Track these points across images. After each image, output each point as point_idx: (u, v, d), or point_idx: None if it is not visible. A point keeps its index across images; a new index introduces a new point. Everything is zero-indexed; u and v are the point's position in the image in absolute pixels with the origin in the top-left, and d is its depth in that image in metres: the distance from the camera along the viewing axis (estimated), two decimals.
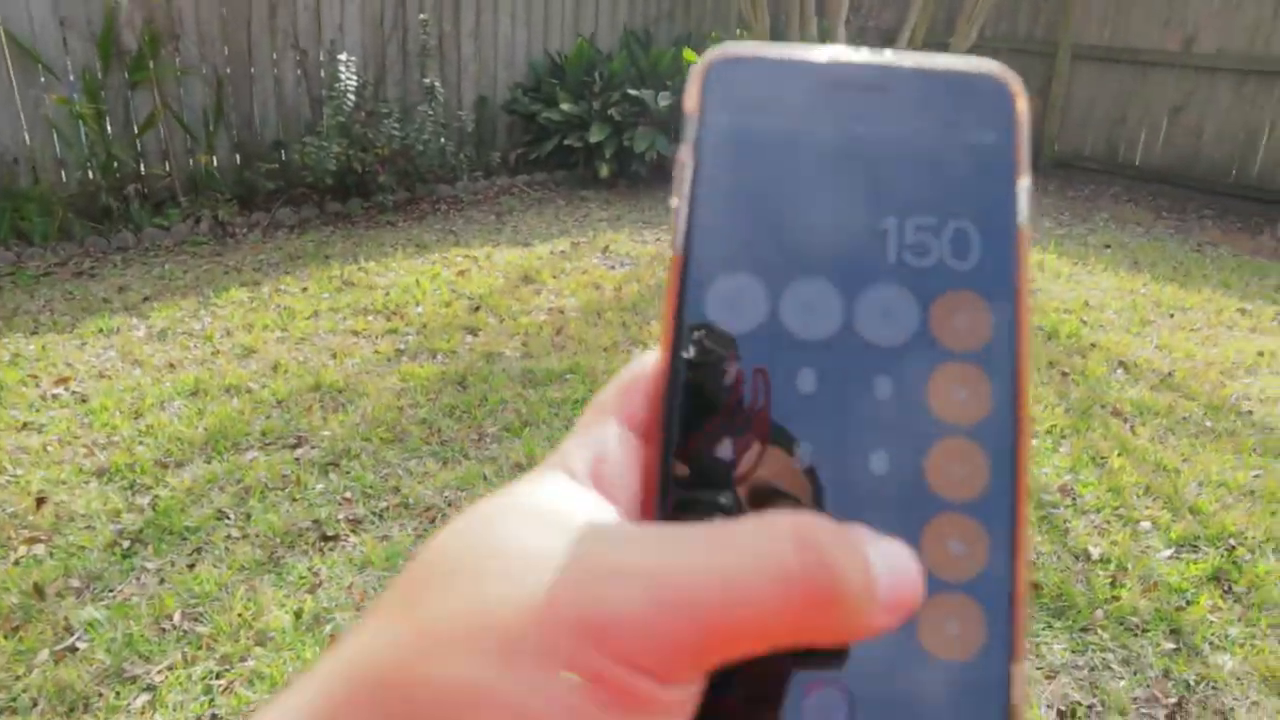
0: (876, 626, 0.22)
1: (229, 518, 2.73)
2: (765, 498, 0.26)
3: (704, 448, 0.26)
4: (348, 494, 2.84)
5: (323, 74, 5.63)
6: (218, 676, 2.16)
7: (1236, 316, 4.45)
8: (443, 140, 5.84)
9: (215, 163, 5.56)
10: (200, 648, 2.24)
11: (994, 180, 0.27)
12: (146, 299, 4.41)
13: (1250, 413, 3.41)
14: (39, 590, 2.40)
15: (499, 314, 4.16)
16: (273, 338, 3.94)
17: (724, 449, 0.26)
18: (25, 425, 3.24)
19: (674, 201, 0.27)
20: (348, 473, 2.95)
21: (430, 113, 5.62)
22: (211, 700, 2.10)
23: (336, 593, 2.41)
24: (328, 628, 2.28)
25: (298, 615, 2.33)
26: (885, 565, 0.22)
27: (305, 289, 4.49)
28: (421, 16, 6.02)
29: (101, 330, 4.02)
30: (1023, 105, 0.27)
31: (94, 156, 5.18)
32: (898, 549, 0.23)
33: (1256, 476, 2.91)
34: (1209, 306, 4.57)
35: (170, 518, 2.71)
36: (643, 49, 6.86)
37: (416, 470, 2.95)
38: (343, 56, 5.38)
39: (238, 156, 5.69)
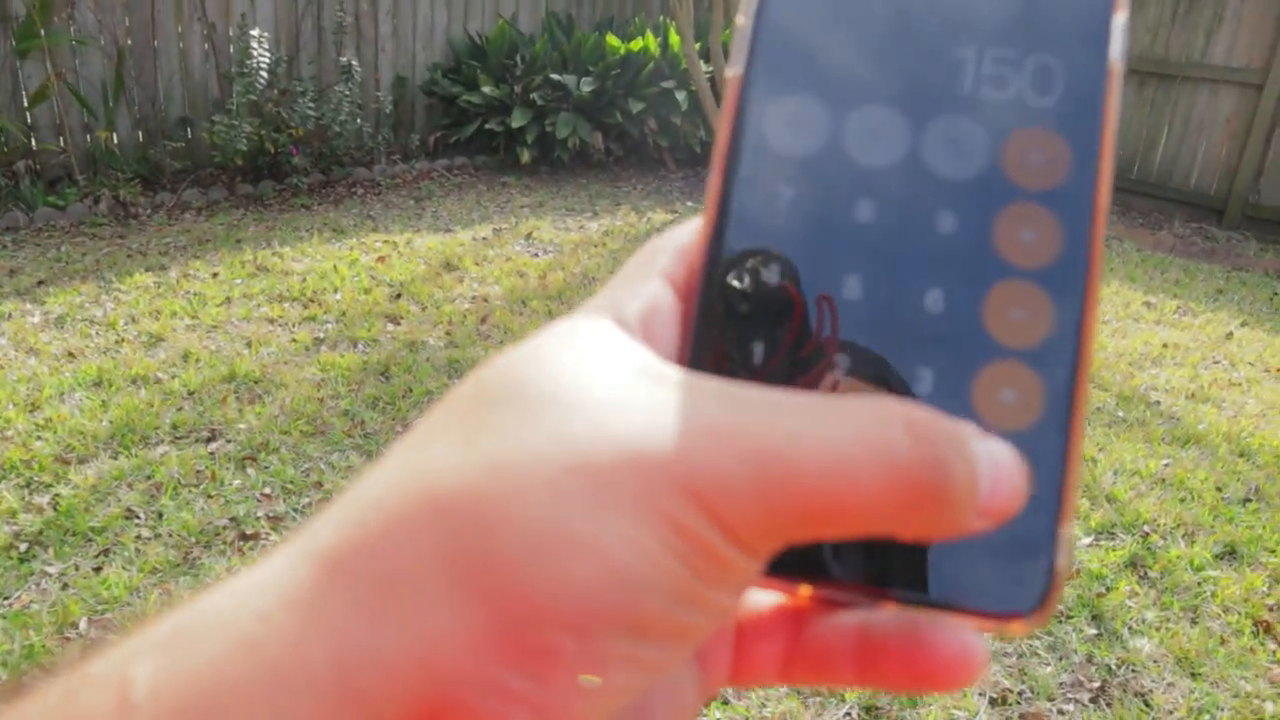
0: (971, 528, 0.21)
1: (139, 517, 2.60)
2: (826, 340, 0.24)
3: (756, 282, 0.25)
4: (267, 490, 2.73)
5: (232, 49, 5.40)
6: None
7: (1142, 309, 4.63)
8: (360, 122, 5.68)
9: (116, 140, 5.29)
10: None
11: (1087, 11, 0.25)
12: (41, 283, 4.18)
13: (1158, 403, 3.55)
14: None
15: (421, 302, 4.06)
16: (182, 325, 3.77)
17: (776, 286, 0.25)
18: None
19: (739, 19, 0.26)
20: (266, 467, 2.84)
21: (347, 93, 5.45)
22: None
23: None
24: None
25: None
26: (991, 468, 0.21)
27: (216, 274, 4.31)
28: None
29: None
30: None
31: None
32: (1003, 452, 0.22)
33: (1166, 465, 3.04)
34: (1116, 300, 4.75)
35: (73, 518, 2.56)
36: (565, 33, 6.78)
37: (339, 464, 2.86)
38: (255, 32, 5.17)
39: (140, 134, 5.43)
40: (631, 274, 0.26)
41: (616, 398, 0.21)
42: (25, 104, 4.99)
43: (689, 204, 5.99)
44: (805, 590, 0.24)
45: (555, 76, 6.15)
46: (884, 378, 0.24)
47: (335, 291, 4.15)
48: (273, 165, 5.48)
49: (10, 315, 3.81)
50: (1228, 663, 2.13)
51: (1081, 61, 0.25)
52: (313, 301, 4.04)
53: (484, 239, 4.99)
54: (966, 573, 0.23)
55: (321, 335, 3.72)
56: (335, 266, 4.42)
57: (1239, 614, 2.31)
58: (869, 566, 0.24)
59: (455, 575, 0.19)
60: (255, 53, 5.04)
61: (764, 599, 0.26)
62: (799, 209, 0.25)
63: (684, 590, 0.20)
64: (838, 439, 0.20)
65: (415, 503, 0.20)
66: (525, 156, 6.10)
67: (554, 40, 6.59)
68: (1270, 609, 2.33)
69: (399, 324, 3.85)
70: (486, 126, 6.11)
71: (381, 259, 4.56)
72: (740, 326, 0.25)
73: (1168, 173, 6.78)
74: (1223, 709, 2.01)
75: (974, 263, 0.24)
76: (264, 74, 5.00)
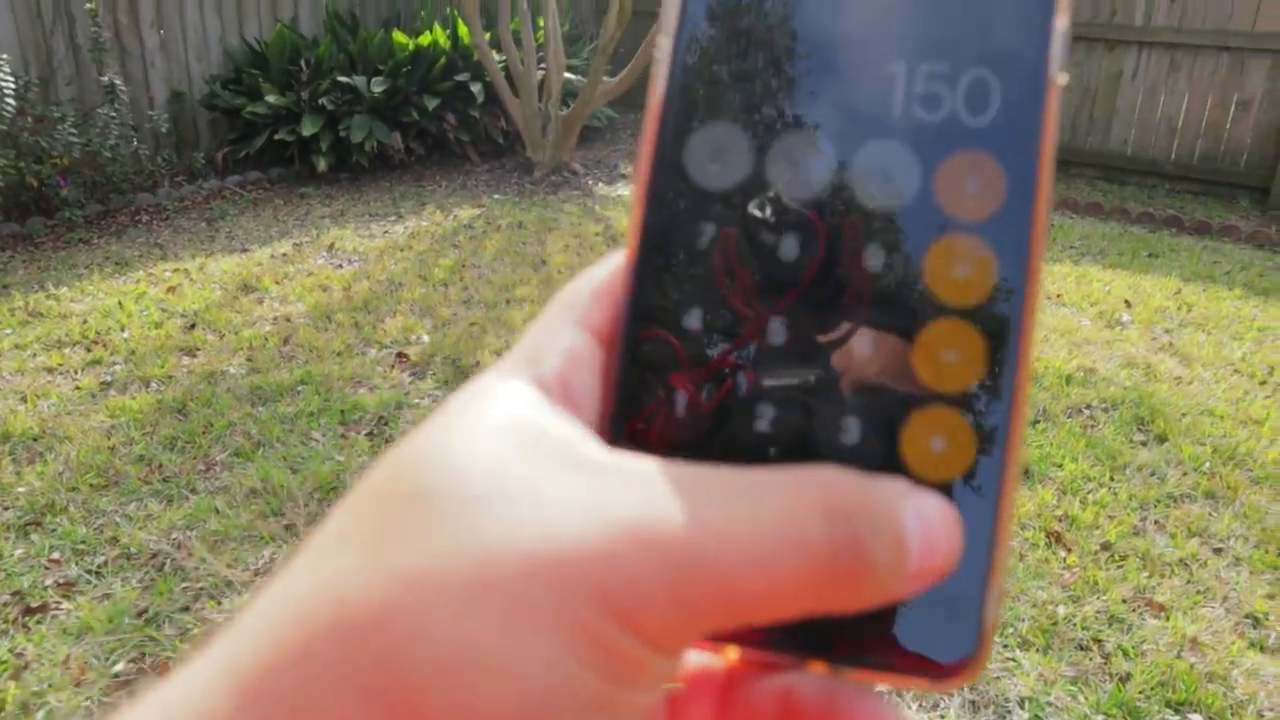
0: (904, 594, 0.21)
1: None
2: (749, 389, 0.23)
3: (677, 329, 0.24)
4: (55, 555, 2.52)
5: None
6: None
7: None
8: (136, 144, 5.29)
9: None
10: None
11: (1024, 20, 0.23)
12: None
13: None
14: None
15: (218, 330, 3.84)
16: None
17: (698, 332, 0.24)
18: None
19: (661, 39, 0.25)
20: (53, 530, 2.61)
21: (114, 114, 5.07)
22: None
23: (49, 671, 2.13)
24: (38, 716, 2.01)
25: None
26: (921, 531, 0.21)
27: None
28: (89, 5, 5.40)
29: None
30: None
31: None
32: (935, 510, 0.21)
33: None
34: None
35: None
36: (349, 32, 6.53)
37: (137, 514, 2.66)
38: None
39: None
40: (551, 321, 0.25)
41: (530, 494, 0.20)
42: None
43: (495, 196, 5.91)
44: (733, 652, 0.24)
45: (344, 79, 5.92)
46: (812, 431, 0.23)
47: (122, 330, 3.86)
48: (39, 199, 5.04)
49: None
50: (1026, 576, 2.28)
51: (1019, 76, 0.23)
52: (97, 343, 3.74)
53: (284, 255, 4.76)
54: (896, 631, 0.23)
55: (109, 378, 3.45)
56: (120, 303, 4.11)
57: (1034, 528, 2.48)
58: (796, 630, 0.23)
59: (367, 702, 0.19)
60: None
61: (696, 658, 0.26)
62: (722, 248, 0.24)
63: (601, 701, 0.19)
64: (755, 533, 0.20)
65: (327, 623, 0.19)
66: (322, 165, 5.86)
67: (338, 41, 6.35)
68: (1059, 519, 2.51)
69: (195, 356, 3.63)
70: (276, 137, 5.82)
71: (171, 289, 4.27)
72: (662, 378, 0.24)
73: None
74: (1023, 620, 2.15)
75: (903, 301, 0.23)
76: (11, 100, 4.57)
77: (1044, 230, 0.23)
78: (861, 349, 0.23)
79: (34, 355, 3.65)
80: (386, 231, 5.14)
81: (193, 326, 3.88)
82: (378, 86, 5.95)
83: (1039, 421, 3.04)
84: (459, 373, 3.39)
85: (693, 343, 0.24)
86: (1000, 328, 0.23)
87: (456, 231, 5.12)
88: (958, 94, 0.23)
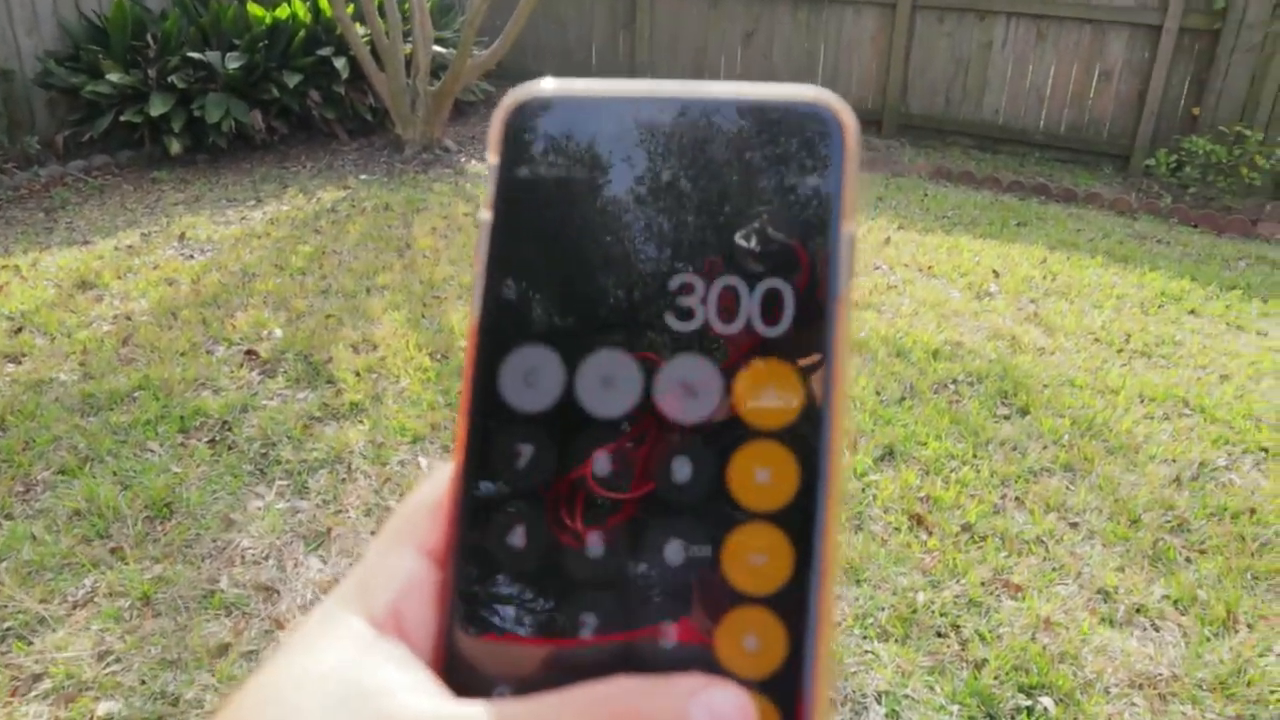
0: None
1: None
2: (568, 604, 0.25)
3: (497, 557, 0.25)
4: None
5: None
6: None
7: None
8: None
9: None
10: None
11: (814, 230, 0.25)
12: None
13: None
14: None
15: (49, 332, 3.54)
16: None
17: (520, 555, 0.25)
18: None
19: (475, 266, 0.26)
20: None
21: None
22: None
23: None
24: None
25: None
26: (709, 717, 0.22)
27: None
28: None
29: None
30: (853, 140, 0.26)
31: None
32: (727, 699, 0.22)
33: None
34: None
35: None
36: (200, 5, 6.12)
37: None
38: None
39: None
40: (384, 546, 0.26)
41: None
42: None
43: (363, 177, 5.64)
44: None
45: (196, 55, 5.55)
46: (633, 637, 0.24)
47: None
48: None
49: None
50: (888, 562, 2.25)
51: (810, 283, 0.24)
52: None
53: (129, 247, 4.43)
54: None
55: None
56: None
57: (897, 511, 2.46)
58: None
59: None
60: None
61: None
62: (538, 469, 0.25)
63: None
64: None
65: None
66: (175, 147, 5.49)
67: (188, 14, 5.95)
68: (921, 500, 2.50)
69: (20, 363, 3.33)
70: (123, 118, 5.42)
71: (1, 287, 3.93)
72: (489, 595, 0.25)
73: (828, 89, 7.19)
74: (883, 609, 2.12)
75: (711, 509, 0.24)
76: None
77: (842, 430, 0.24)
78: (673, 555, 0.24)
79: None
80: (244, 218, 4.84)
81: (19, 330, 3.57)
82: (233, 63, 5.59)
83: (905, 399, 3.03)
84: (311, 370, 3.20)
85: (516, 560, 0.25)
86: (805, 528, 0.24)
87: (319, 216, 4.86)
88: (754, 304, 0.24)
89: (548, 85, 0.26)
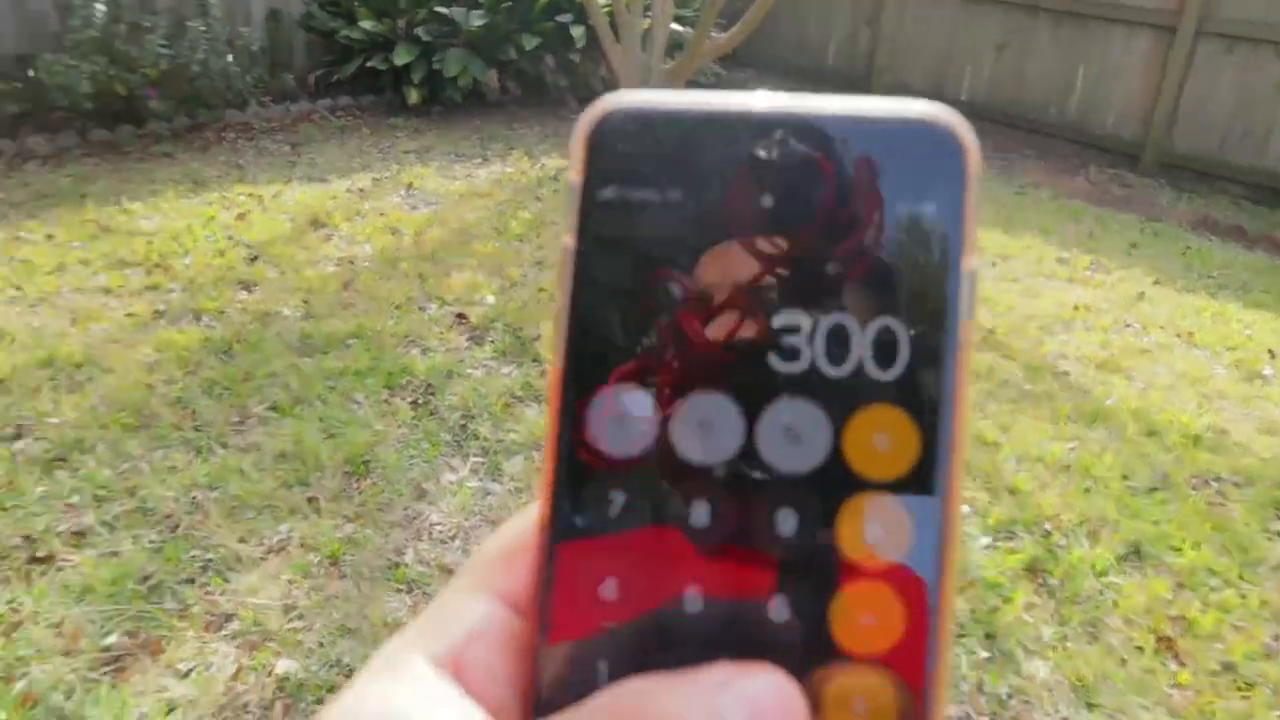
0: None
1: None
2: (662, 658, 0.23)
3: (594, 600, 0.24)
4: (74, 498, 2.39)
5: None
6: None
7: (1055, 266, 4.44)
8: (229, 59, 5.15)
9: None
10: None
11: (932, 264, 0.23)
12: None
13: (1066, 373, 3.36)
14: None
15: (280, 265, 3.68)
16: (3, 298, 3.34)
17: (615, 601, 0.23)
18: None
19: (558, 296, 0.25)
20: (77, 470, 2.49)
21: (204, 29, 4.92)
22: None
23: (42, 633, 1.99)
24: (19, 685, 1.87)
25: None
26: (744, 714, 0.21)
27: (51, 236, 3.86)
28: None
29: None
30: (974, 164, 0.23)
31: None
32: (765, 687, 0.21)
33: (1071, 449, 2.83)
34: (1029, 254, 4.56)
35: None
36: None
37: (160, 464, 2.52)
38: None
39: None
40: (457, 588, 0.25)
41: None
42: None
43: None
44: None
45: (442, 9, 5.67)
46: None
47: (185, 255, 3.73)
48: (129, 109, 4.96)
49: None
50: (1127, 687, 1.95)
51: (927, 323, 0.23)
52: (158, 267, 3.62)
53: (360, 190, 4.58)
54: None
55: (163, 308, 3.33)
56: (189, 225, 3.99)
57: (1141, 627, 2.13)
58: None
59: None
60: None
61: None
62: (632, 516, 0.24)
63: None
64: None
65: None
66: (413, 97, 5.65)
67: None
68: (1172, 620, 2.15)
69: (252, 292, 3.48)
70: (370, 64, 5.63)
71: (241, 215, 4.14)
72: (586, 658, 0.23)
73: (1084, 116, 6.61)
74: None
75: (819, 565, 0.23)
76: (100, 6, 4.45)
77: (959, 485, 0.23)
78: (778, 613, 0.23)
79: (95, 274, 3.55)
80: (469, 175, 4.91)
81: (255, 259, 3.73)
82: (476, 20, 5.69)
83: (1157, 490, 2.66)
84: (518, 344, 3.16)
85: (614, 611, 0.23)
86: (918, 587, 0.22)
87: (541, 183, 4.86)
88: (865, 345, 0.23)
89: (635, 96, 0.24)
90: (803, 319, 0.23)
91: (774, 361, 0.23)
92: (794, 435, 0.23)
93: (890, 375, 0.23)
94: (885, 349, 0.23)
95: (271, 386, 2.87)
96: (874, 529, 0.22)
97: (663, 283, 0.24)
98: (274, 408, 2.77)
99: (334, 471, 2.49)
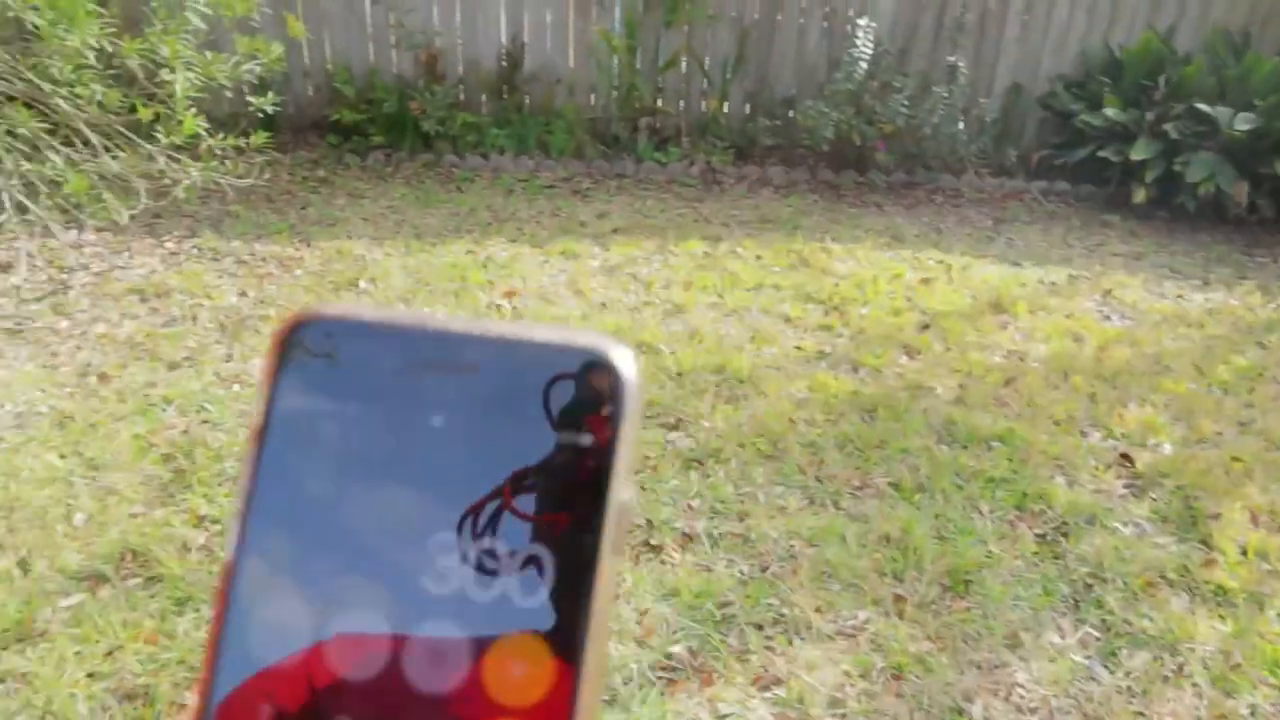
0: None
1: None
2: None
3: None
4: (696, 501, 2.58)
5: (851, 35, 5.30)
6: None
7: None
8: (960, 126, 5.22)
9: (726, 110, 5.56)
10: None
11: (581, 494, 0.24)
12: (616, 230, 4.54)
13: None
14: None
15: (948, 340, 3.58)
16: (706, 302, 3.80)
17: None
18: None
19: (236, 496, 0.25)
20: (708, 477, 2.69)
21: (945, 95, 5.03)
22: None
23: (628, 615, 2.17)
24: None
25: None
26: None
27: (760, 257, 4.30)
28: None
29: (565, 253, 4.20)
30: (634, 397, 0.24)
31: (618, 87, 5.44)
32: None
33: None
34: None
35: None
36: (1234, 56, 5.49)
37: (774, 500, 2.60)
38: (863, 21, 4.99)
39: (748, 107, 5.64)
40: None
41: None
42: (659, 69, 5.45)
43: None
44: None
45: (1203, 107, 5.01)
46: None
47: (864, 305, 3.85)
48: (858, 157, 5.32)
49: (579, 256, 4.19)
50: None
51: (572, 555, 0.24)
52: (836, 310, 3.80)
53: (1052, 284, 4.27)
54: None
55: (828, 349, 3.47)
56: (875, 277, 4.12)
57: None
58: None
59: None
60: (859, 42, 4.86)
61: None
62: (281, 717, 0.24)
63: None
64: None
65: None
66: (1140, 196, 5.12)
67: (1215, 63, 5.38)
68: None
69: (913, 359, 3.44)
70: (1100, 153, 5.23)
71: (926, 280, 4.14)
72: None
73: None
74: None
75: None
76: (863, 64, 4.80)
77: (592, 713, 0.24)
78: None
79: (782, 301, 3.85)
80: (1181, 296, 4.28)
81: (926, 327, 3.69)
82: (1243, 124, 4.91)
83: None
84: (1187, 514, 2.62)
85: None
86: None
87: (1271, 327, 4.03)
88: (513, 571, 0.24)
89: (330, 309, 0.26)
90: (456, 542, 0.24)
91: (427, 583, 0.24)
92: (437, 657, 0.23)
93: (533, 603, 0.23)
94: (530, 577, 0.23)
95: (901, 462, 2.78)
96: None
97: (330, 495, 0.24)
98: (896, 485, 2.68)
99: (932, 578, 2.31)
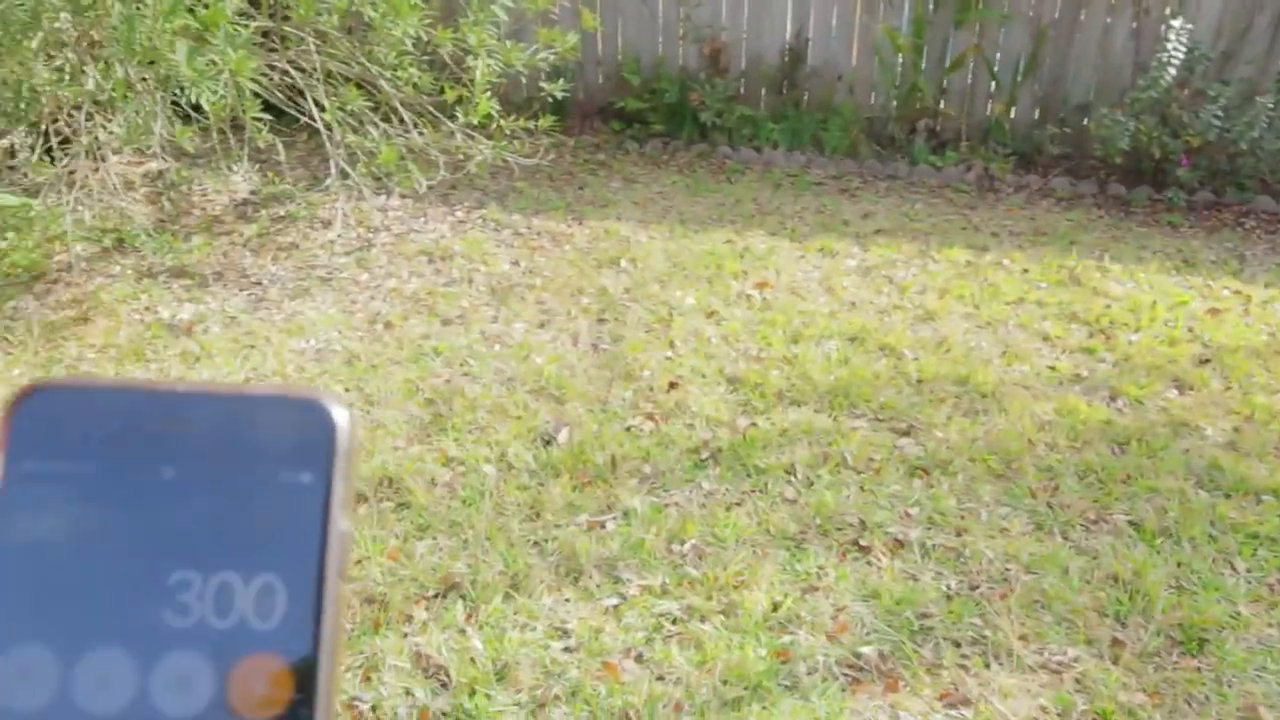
0: None
1: (793, 477, 2.66)
2: None
3: None
4: (914, 509, 2.55)
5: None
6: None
7: None
8: None
9: (1012, 115, 5.29)
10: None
11: (305, 526, 0.26)
12: (879, 231, 4.49)
13: None
14: (614, 462, 2.66)
15: (1230, 379, 3.24)
16: (960, 311, 3.68)
17: None
18: (713, 313, 3.59)
19: None
20: (932, 486, 2.64)
21: (1270, 106, 4.48)
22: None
23: (824, 609, 2.19)
24: (783, 639, 2.10)
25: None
26: None
27: (1026, 271, 4.08)
28: None
29: (823, 250, 4.21)
30: (345, 436, 0.27)
31: (900, 86, 5.34)
32: None
33: None
34: None
35: (747, 450, 2.75)
36: None
37: (996, 520, 2.50)
38: (1177, 22, 4.54)
39: (1036, 112, 5.32)
40: None
41: None
42: (945, 70, 5.28)
43: None
44: None
45: None
46: None
47: (1135, 331, 3.57)
48: (1155, 172, 4.88)
49: (837, 254, 4.19)
50: None
51: (300, 578, 0.26)
52: (1102, 333, 3.54)
53: None
54: None
55: (1085, 374, 3.25)
56: (1154, 303, 3.79)
57: None
58: None
59: None
60: (1170, 45, 4.43)
61: None
62: None
63: None
64: None
65: None
66: None
67: None
68: None
69: (1183, 395, 3.15)
70: None
71: (1214, 311, 3.75)
72: None
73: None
74: None
75: None
76: (1172, 70, 4.38)
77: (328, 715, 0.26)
78: None
79: (1044, 318, 3.65)
80: None
81: (1205, 362, 3.36)
82: None
83: None
84: None
85: None
86: None
87: None
88: (248, 599, 0.26)
89: (60, 380, 0.27)
90: (195, 578, 0.26)
91: (169, 617, 0.26)
92: (184, 682, 0.25)
93: (268, 626, 0.26)
94: (265, 603, 0.26)
95: (1147, 501, 2.58)
96: None
97: (67, 547, 0.26)
98: (1136, 525, 2.49)
99: (1160, 628, 2.14)
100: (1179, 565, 2.34)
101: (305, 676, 0.25)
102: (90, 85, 3.23)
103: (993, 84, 5.29)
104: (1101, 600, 2.21)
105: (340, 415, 0.27)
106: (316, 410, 0.27)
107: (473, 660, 2.02)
